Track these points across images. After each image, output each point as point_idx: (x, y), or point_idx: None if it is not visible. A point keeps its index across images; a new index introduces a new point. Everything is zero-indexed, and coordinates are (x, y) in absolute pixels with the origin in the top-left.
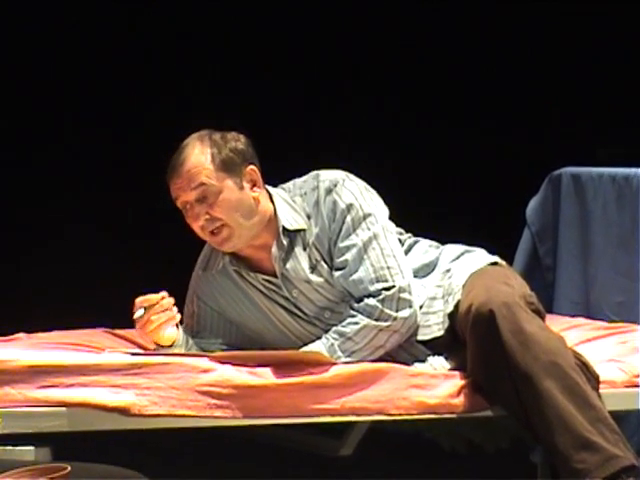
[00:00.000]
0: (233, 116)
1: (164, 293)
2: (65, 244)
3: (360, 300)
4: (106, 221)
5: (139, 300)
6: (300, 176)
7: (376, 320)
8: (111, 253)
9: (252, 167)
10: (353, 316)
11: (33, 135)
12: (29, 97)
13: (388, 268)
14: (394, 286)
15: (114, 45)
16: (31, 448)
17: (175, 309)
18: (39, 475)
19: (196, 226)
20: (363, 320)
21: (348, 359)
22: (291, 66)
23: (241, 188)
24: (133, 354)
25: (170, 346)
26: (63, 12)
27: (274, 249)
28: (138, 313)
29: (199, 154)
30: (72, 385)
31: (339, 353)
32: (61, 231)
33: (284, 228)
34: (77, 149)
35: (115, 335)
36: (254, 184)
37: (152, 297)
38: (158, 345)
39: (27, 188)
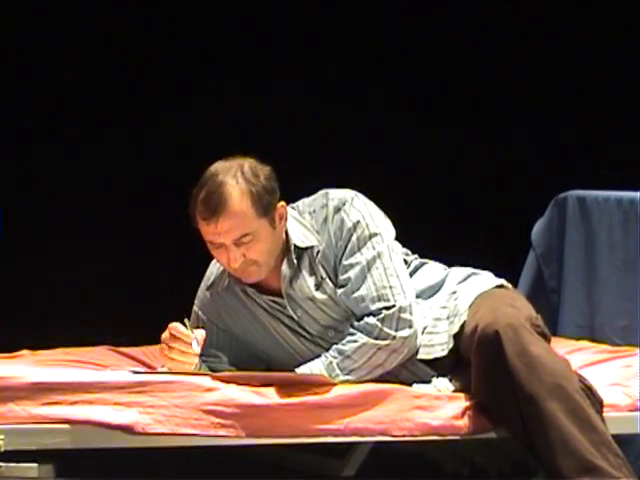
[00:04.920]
0: (241, 135)
1: (201, 332)
2: (69, 261)
3: (361, 319)
4: (111, 238)
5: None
6: (308, 195)
7: (375, 339)
8: (116, 270)
9: (282, 203)
10: (352, 334)
11: (34, 144)
12: (30, 99)
13: (390, 287)
14: (394, 305)
15: (129, 53)
16: (34, 465)
17: (197, 347)
18: None
19: (225, 262)
20: (362, 338)
21: (347, 377)
22: (300, 84)
23: (274, 228)
24: (135, 372)
25: None
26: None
27: (284, 267)
28: (195, 348)
29: (239, 201)
30: (76, 402)
31: (337, 371)
32: (65, 248)
33: (295, 246)
34: (81, 163)
35: (119, 353)
36: (281, 218)
37: (182, 331)
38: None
39: (30, 204)
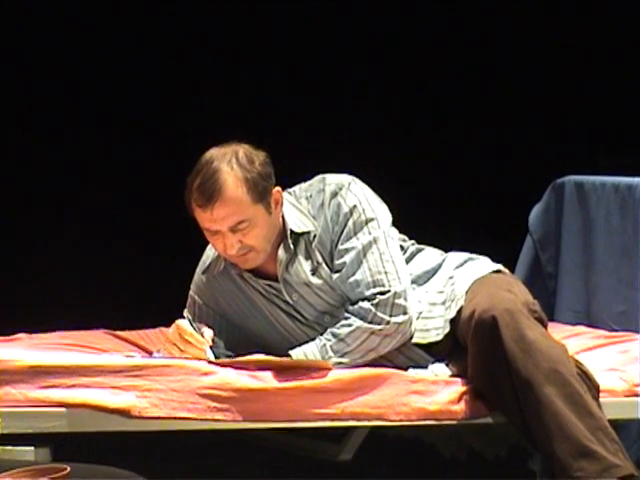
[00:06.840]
0: (238, 120)
1: (209, 334)
2: (66, 244)
3: (355, 303)
4: (108, 221)
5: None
6: (305, 180)
7: (369, 323)
8: (113, 254)
9: (278, 188)
10: (347, 318)
11: (39, 134)
12: (30, 99)
13: (385, 273)
14: (389, 291)
15: (127, 53)
16: (31, 448)
17: (210, 353)
18: (38, 475)
19: (221, 249)
20: (356, 322)
21: (340, 360)
22: (299, 70)
23: (270, 213)
24: (127, 357)
25: None
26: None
27: (281, 252)
28: (209, 355)
29: (234, 187)
30: (73, 386)
31: (331, 353)
32: (62, 231)
33: (292, 231)
34: (78, 147)
35: (116, 336)
36: (277, 203)
37: (197, 338)
38: None
39: (28, 188)
